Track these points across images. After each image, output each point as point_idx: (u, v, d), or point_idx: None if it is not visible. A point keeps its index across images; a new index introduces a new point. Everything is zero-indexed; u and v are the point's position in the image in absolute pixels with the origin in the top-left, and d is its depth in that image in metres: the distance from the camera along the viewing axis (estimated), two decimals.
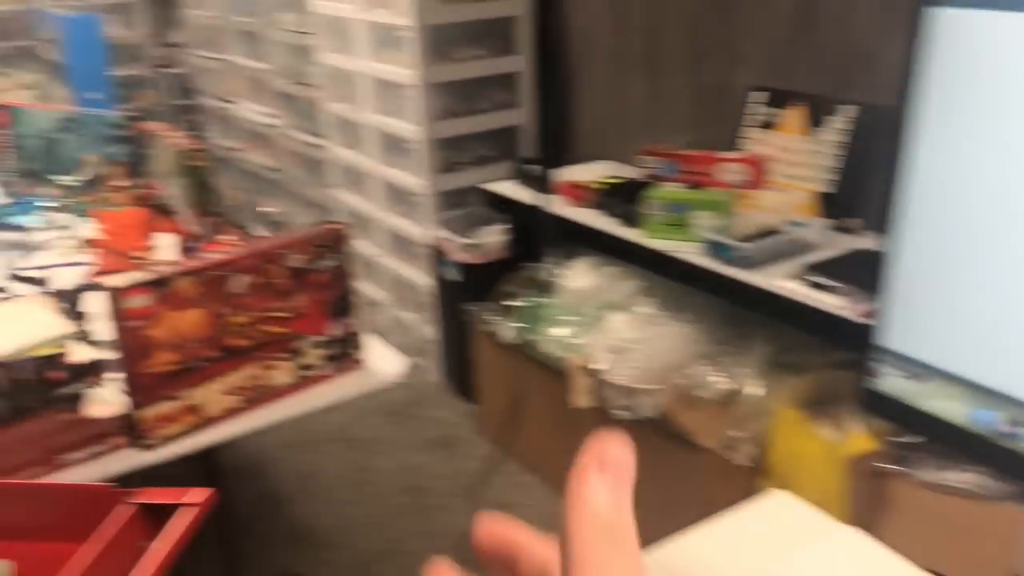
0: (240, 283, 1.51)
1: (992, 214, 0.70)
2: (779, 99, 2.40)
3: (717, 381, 2.16)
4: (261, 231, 4.37)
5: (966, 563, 1.65)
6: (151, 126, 2.37)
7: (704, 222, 2.20)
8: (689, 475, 2.20)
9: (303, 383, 1.65)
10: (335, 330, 1.67)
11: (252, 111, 4.23)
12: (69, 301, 1.68)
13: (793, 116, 2.36)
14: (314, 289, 1.62)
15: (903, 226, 0.77)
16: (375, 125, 3.19)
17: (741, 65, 2.52)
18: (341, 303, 1.66)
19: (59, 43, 3.34)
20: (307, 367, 1.64)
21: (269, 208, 4.28)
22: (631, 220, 2.34)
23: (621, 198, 2.40)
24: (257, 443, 2.85)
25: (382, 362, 1.75)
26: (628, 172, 2.66)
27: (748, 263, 2.06)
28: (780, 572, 0.95)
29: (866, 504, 1.91)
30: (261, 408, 1.59)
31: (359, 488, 2.67)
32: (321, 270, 1.62)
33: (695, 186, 2.32)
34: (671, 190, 2.29)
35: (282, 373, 1.61)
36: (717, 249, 2.12)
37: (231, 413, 1.55)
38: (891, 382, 0.81)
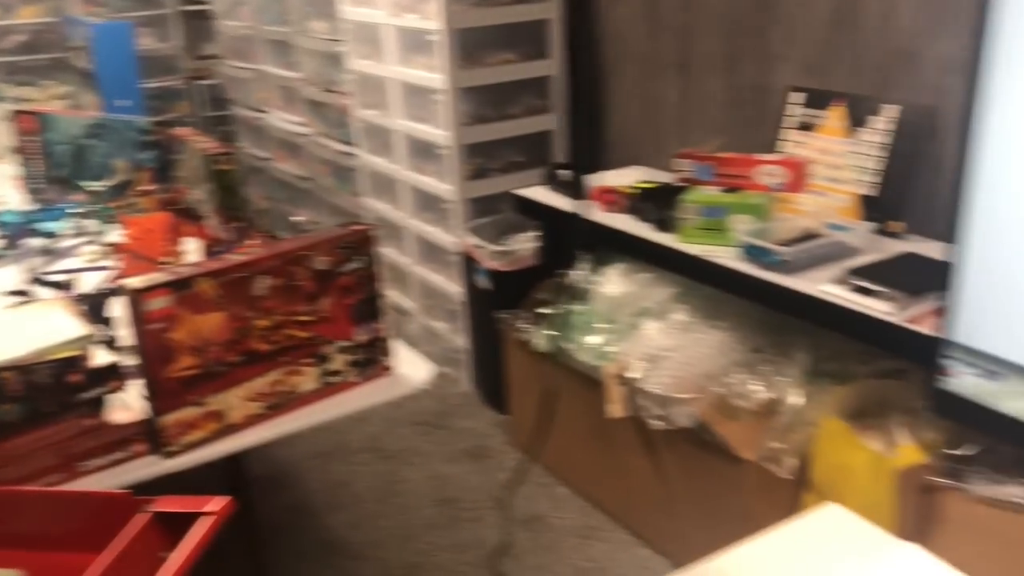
0: (263, 285, 1.47)
1: None
2: (819, 100, 2.33)
3: (756, 390, 2.08)
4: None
5: None
6: (178, 131, 2.35)
7: (742, 226, 2.13)
8: (728, 487, 2.12)
9: (329, 390, 1.60)
10: (362, 335, 1.62)
11: (283, 120, 4.22)
12: (92, 305, 1.65)
13: (833, 117, 2.28)
14: (340, 293, 1.57)
15: (972, 219, 0.71)
16: (405, 131, 3.16)
17: (779, 65, 2.46)
18: (368, 307, 1.62)
19: (89, 50, 3.35)
20: (333, 373, 1.60)
21: (300, 217, 4.27)
22: (665, 225, 2.28)
23: (655, 203, 2.33)
24: (287, 453, 2.82)
25: (410, 369, 1.70)
26: (662, 177, 2.60)
27: (788, 268, 1.99)
28: None
29: (915, 519, 1.83)
30: (286, 415, 1.55)
31: (389, 500, 2.62)
32: (347, 273, 1.57)
33: (732, 190, 2.25)
34: (707, 194, 2.22)
35: (307, 379, 1.56)
36: (756, 253, 2.05)
37: (255, 420, 1.51)
38: (964, 382, 0.75)
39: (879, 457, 1.87)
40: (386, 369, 1.67)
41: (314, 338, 1.56)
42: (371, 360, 1.65)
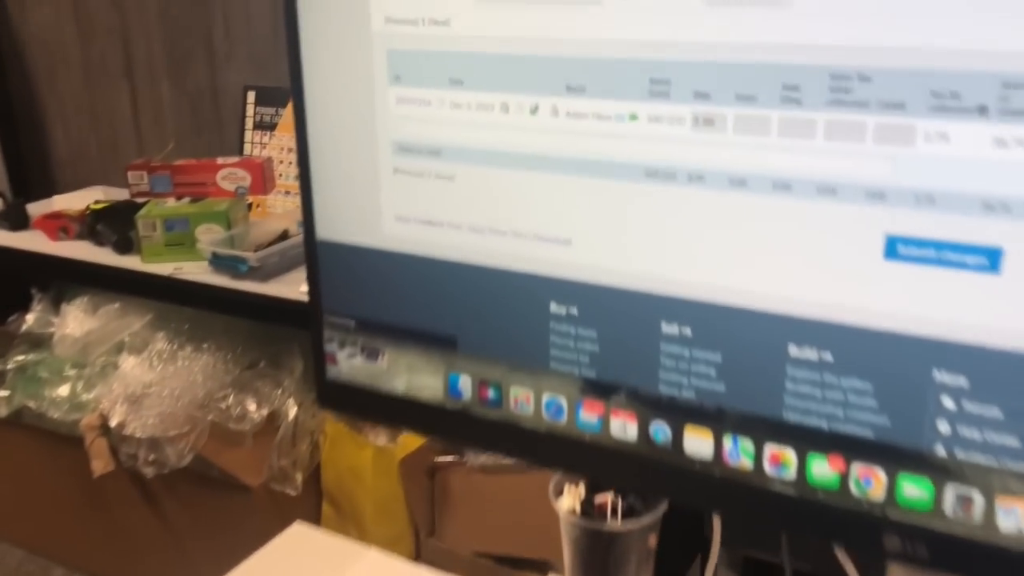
0: None
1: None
2: (273, 97, 2.25)
3: (252, 410, 1.94)
4: None
5: (516, 536, 1.62)
6: None
7: (209, 236, 1.96)
8: (240, 519, 1.95)
9: None
10: None
11: None
12: None
13: (289, 114, 2.21)
14: None
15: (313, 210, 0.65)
16: None
17: (228, 65, 2.33)
18: None
19: None
20: None
21: None
22: (125, 246, 2.02)
23: (110, 223, 2.06)
24: None
25: None
26: (124, 195, 2.33)
27: (261, 274, 1.87)
28: None
29: (424, 500, 1.83)
30: None
31: None
32: None
33: (196, 199, 2.07)
34: (167, 206, 2.01)
35: None
36: (226, 263, 1.89)
37: None
38: (348, 366, 0.66)
39: (383, 450, 1.84)
40: None
41: None
42: None
